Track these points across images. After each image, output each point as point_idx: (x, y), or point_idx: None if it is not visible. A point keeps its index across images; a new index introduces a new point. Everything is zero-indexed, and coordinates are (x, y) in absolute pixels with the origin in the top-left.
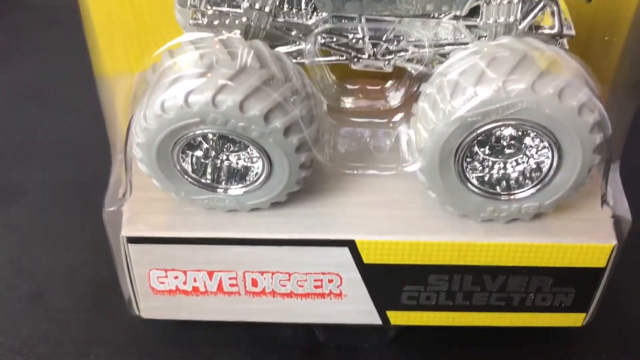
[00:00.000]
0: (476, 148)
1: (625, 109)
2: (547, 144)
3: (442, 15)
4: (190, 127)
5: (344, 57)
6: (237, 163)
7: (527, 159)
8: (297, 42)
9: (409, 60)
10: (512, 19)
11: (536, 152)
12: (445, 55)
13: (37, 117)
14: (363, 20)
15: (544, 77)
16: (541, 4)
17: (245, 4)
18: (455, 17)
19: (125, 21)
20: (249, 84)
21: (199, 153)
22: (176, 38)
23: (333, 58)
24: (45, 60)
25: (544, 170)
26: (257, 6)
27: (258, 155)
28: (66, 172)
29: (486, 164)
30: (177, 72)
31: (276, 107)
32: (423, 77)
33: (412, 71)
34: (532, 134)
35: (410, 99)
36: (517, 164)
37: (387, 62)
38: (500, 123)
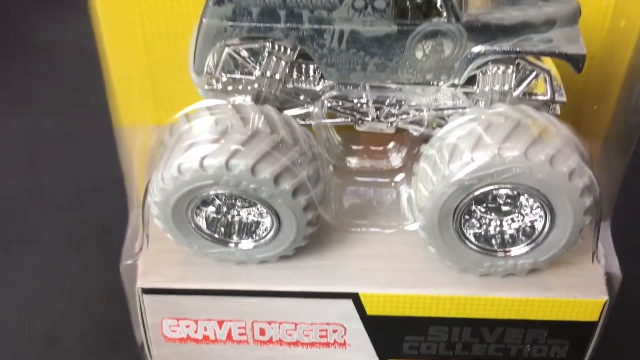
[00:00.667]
0: (474, 206)
1: (616, 169)
2: (540, 205)
3: (441, 83)
4: (205, 188)
5: (349, 119)
6: (247, 218)
7: (522, 217)
8: (305, 106)
9: (410, 123)
10: (506, 87)
11: (531, 212)
12: (444, 118)
13: (54, 162)
14: (367, 87)
15: (537, 145)
16: (534, 73)
17: (257, 72)
18: (453, 85)
19: (141, 75)
20: (259, 149)
21: (211, 209)
22: (189, 96)
23: (339, 120)
24: (62, 105)
25: (538, 229)
26: (268, 74)
27: (267, 211)
28: (82, 216)
29: (483, 221)
30: (193, 137)
31: (285, 170)
32: (424, 139)
33: (414, 132)
34: (526, 195)
35: (411, 159)
36: (513, 221)
37: (389, 124)
38: (496, 186)
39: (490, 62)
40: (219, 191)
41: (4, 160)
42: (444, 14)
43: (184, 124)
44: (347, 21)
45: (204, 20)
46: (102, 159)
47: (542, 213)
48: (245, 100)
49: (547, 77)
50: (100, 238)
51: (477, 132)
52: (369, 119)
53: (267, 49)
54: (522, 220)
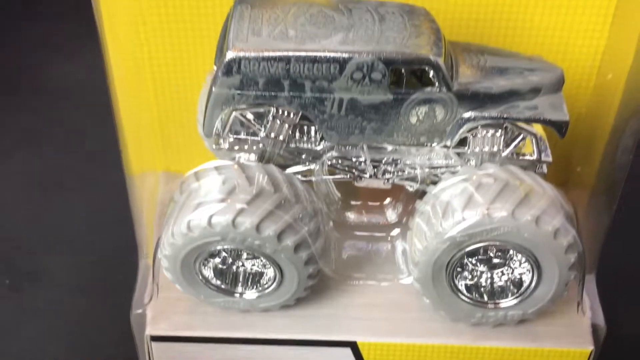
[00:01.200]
0: (466, 259)
1: (601, 222)
2: (527, 261)
3: (434, 144)
4: (212, 244)
5: (348, 176)
6: (251, 269)
7: (511, 270)
8: (307, 164)
9: (406, 179)
10: (495, 148)
11: (519, 265)
12: (437, 175)
13: (64, 203)
14: (365, 147)
15: (523, 205)
16: (521, 136)
17: (262, 134)
18: (446, 146)
19: (151, 123)
20: (264, 209)
21: (217, 260)
22: (196, 145)
23: (338, 176)
24: (72, 146)
25: (526, 283)
26: (272, 135)
27: (270, 264)
28: (91, 257)
29: (475, 273)
30: (202, 195)
31: (288, 227)
32: (418, 195)
33: (409, 188)
34: (514, 250)
35: (407, 214)
36: (503, 274)
37: (386, 180)
38: (486, 243)
39: (480, 126)
40: (225, 246)
41: (14, 201)
42: (436, 83)
43: (193, 182)
44: (346, 90)
45: (214, 88)
46: (112, 202)
47: (529, 267)
48: (250, 158)
49: (534, 139)
50: (107, 280)
51: (468, 192)
52: (367, 175)
53: (271, 112)
54: (512, 273)
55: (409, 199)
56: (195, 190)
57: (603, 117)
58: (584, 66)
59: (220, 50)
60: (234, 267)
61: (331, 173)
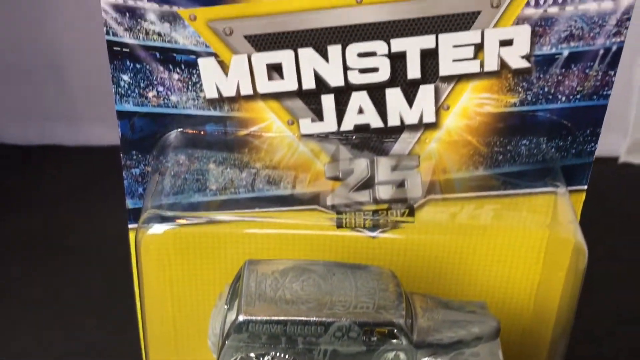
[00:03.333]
0: None
1: None
2: None
3: None
4: None
5: None
6: None
7: None
8: None
9: None
10: None
11: None
12: None
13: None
14: None
15: None
16: None
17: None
18: None
19: (167, 337)
20: None
21: None
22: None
23: None
24: (90, 314)
25: None
26: None
27: None
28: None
29: None
30: None
31: None
32: None
33: None
34: None
35: None
36: None
37: None
38: None
39: None
40: None
41: None
42: (400, 338)
43: None
44: (330, 344)
45: (227, 342)
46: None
47: None
48: None
49: None
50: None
51: None
52: None
53: (271, 355)
54: None
55: None
56: None
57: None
58: (522, 299)
59: (232, 293)
60: None
61: None
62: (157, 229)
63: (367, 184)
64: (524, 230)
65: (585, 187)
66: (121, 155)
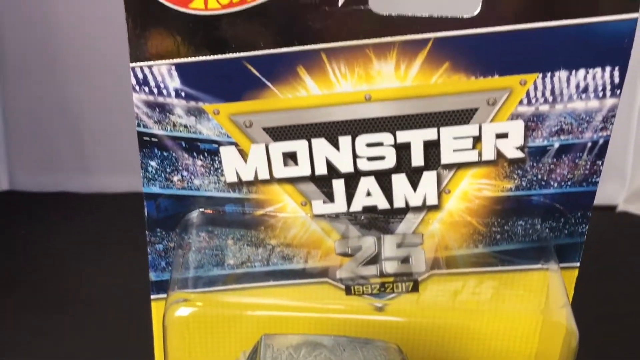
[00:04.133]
0: None
1: None
2: None
3: None
4: None
5: None
6: None
7: None
8: None
9: None
10: None
11: None
12: None
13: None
14: None
15: None
16: None
17: None
18: None
19: None
20: None
21: None
22: None
23: None
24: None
25: None
26: None
27: None
28: None
29: None
30: None
31: None
32: None
33: None
34: None
35: None
36: None
37: None
38: None
39: None
40: None
41: None
42: None
43: None
44: None
45: None
46: None
47: None
48: None
49: None
50: None
51: None
52: None
53: None
54: None
55: None
56: None
57: None
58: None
59: None
60: None
61: None
62: (183, 311)
63: (374, 259)
64: (519, 314)
65: (578, 264)
66: (146, 232)
